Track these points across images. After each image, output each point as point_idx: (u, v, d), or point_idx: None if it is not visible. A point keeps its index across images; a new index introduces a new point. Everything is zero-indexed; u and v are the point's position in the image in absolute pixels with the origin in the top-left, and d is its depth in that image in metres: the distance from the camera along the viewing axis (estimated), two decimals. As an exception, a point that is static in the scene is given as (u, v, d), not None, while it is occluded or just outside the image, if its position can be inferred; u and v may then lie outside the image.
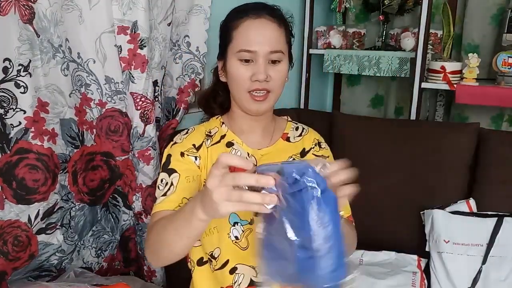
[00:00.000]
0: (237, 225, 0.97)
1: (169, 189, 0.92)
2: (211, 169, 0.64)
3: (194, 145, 0.98)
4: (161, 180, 0.95)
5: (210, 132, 1.02)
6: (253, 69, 0.91)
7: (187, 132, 1.02)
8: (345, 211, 1.02)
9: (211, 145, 1.00)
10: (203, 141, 0.99)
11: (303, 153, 1.04)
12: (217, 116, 1.06)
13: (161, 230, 0.81)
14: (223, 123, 1.04)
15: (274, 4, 0.98)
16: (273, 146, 1.03)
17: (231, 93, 0.99)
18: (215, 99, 1.07)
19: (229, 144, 1.01)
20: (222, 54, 0.98)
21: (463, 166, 1.56)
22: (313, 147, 1.06)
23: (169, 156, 0.97)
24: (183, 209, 0.76)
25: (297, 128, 1.09)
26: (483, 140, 1.56)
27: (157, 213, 0.90)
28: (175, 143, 1.00)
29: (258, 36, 0.91)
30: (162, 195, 0.92)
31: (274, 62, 0.92)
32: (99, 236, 1.40)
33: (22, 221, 1.14)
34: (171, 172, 0.94)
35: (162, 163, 0.98)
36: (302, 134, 1.07)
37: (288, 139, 1.05)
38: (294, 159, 1.02)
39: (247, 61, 0.91)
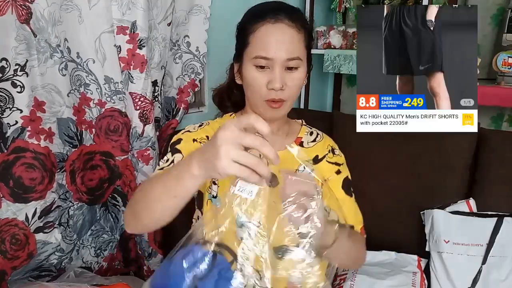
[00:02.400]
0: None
1: (169, 165, 0.89)
2: (228, 122, 0.60)
3: (207, 136, 0.96)
4: (164, 158, 0.92)
5: None
6: (269, 76, 0.88)
7: (201, 125, 1.00)
8: (356, 223, 0.99)
9: None
10: None
11: (316, 160, 1.01)
12: (231, 113, 1.04)
13: (147, 188, 0.75)
14: None
15: (293, 6, 0.93)
16: (286, 150, 1.01)
17: (246, 97, 0.97)
18: (230, 98, 1.05)
19: None
20: (238, 57, 0.94)
21: (463, 166, 1.56)
22: (327, 154, 1.03)
23: (179, 139, 0.95)
24: (175, 165, 0.72)
25: (311, 133, 1.06)
26: (483, 140, 1.55)
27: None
28: (188, 131, 0.97)
29: (275, 42, 0.86)
30: (159, 169, 0.90)
31: (290, 69, 0.89)
32: (98, 236, 1.40)
33: (19, 220, 1.14)
34: (175, 151, 0.92)
35: (170, 144, 0.95)
36: (317, 140, 1.04)
37: (301, 144, 1.03)
38: (305, 167, 1.00)
39: (262, 67, 0.88)
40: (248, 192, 0.63)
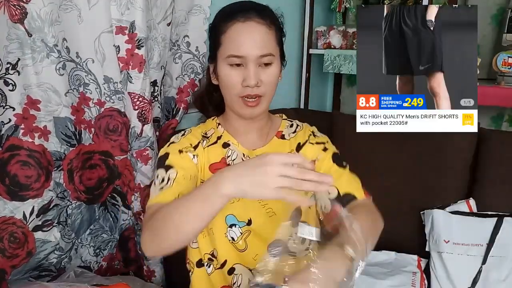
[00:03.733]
0: (235, 227, 0.96)
1: (166, 183, 0.90)
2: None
3: (191, 144, 0.98)
4: (157, 176, 0.93)
5: (206, 134, 1.02)
6: (244, 74, 0.90)
7: (183, 134, 1.02)
8: (357, 191, 0.96)
9: (208, 146, 1.00)
10: (199, 142, 0.99)
11: (299, 148, 1.03)
12: (213, 117, 1.07)
13: (166, 214, 0.76)
14: (219, 124, 1.04)
15: (262, 4, 0.96)
16: (268, 145, 1.03)
17: (224, 97, 0.98)
18: (210, 101, 1.08)
19: (225, 145, 1.01)
20: (213, 58, 0.97)
21: (463, 166, 1.56)
22: (308, 138, 1.05)
23: (166, 154, 0.96)
24: (197, 188, 0.74)
25: (291, 125, 1.08)
26: (483, 140, 1.56)
27: (155, 204, 0.86)
28: (173, 142, 0.99)
29: (247, 40, 0.89)
30: (159, 190, 0.90)
31: (265, 65, 0.91)
32: (97, 235, 1.40)
33: (17, 218, 1.14)
34: (168, 168, 0.92)
35: (158, 159, 0.97)
36: (297, 131, 1.07)
37: (283, 137, 1.05)
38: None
39: (237, 65, 0.90)
40: (309, 234, 0.70)
